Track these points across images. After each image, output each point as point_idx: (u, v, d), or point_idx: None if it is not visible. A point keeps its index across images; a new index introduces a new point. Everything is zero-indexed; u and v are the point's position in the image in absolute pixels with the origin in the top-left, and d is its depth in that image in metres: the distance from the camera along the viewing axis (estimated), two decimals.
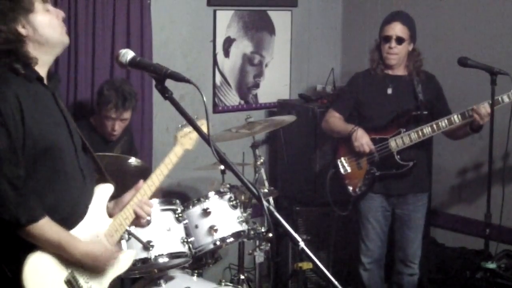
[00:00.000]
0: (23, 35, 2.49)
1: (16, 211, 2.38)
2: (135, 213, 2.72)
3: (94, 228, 2.63)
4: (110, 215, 2.72)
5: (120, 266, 2.71)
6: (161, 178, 2.83)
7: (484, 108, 3.94)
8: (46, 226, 2.44)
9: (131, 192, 2.76)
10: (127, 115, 3.93)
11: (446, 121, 4.08)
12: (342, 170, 4.31)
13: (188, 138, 3.00)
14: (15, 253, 2.45)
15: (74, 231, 2.55)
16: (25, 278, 2.42)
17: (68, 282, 2.52)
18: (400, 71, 4.27)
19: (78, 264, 2.54)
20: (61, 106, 2.63)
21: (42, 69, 2.56)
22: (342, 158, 4.32)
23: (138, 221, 2.76)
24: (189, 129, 2.98)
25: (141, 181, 2.78)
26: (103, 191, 2.73)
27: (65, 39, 2.61)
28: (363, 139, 4.18)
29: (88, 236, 2.59)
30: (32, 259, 2.45)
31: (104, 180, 2.76)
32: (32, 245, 2.45)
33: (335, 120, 4.36)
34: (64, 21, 2.63)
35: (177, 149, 2.96)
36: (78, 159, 2.62)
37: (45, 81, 2.58)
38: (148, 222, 2.87)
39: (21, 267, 2.42)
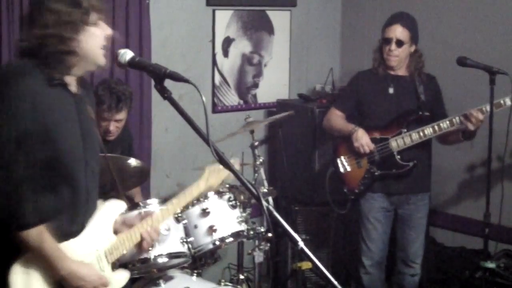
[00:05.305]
0: (73, 50, 2.45)
1: (24, 209, 2.33)
2: (142, 237, 2.69)
3: (95, 243, 2.59)
4: (115, 230, 2.67)
5: (112, 285, 2.64)
6: (177, 208, 2.80)
7: (477, 114, 3.94)
8: (44, 234, 2.39)
9: (141, 215, 2.74)
10: (121, 116, 3.89)
11: (447, 122, 4.08)
12: (341, 169, 4.31)
13: (215, 176, 2.94)
14: (5, 257, 2.40)
15: (70, 243, 2.50)
16: (12, 282, 2.38)
17: None
18: (402, 72, 4.27)
19: (62, 281, 2.46)
20: (81, 117, 2.55)
21: (69, 78, 2.51)
22: (342, 157, 4.32)
23: (141, 245, 2.73)
24: (220, 166, 2.88)
25: (155, 211, 2.74)
26: (114, 208, 2.68)
27: (101, 61, 2.56)
28: (363, 140, 4.18)
29: (84, 250, 2.53)
30: (21, 264, 2.40)
31: (118, 196, 2.71)
32: (21, 250, 2.40)
33: (336, 118, 4.36)
34: (109, 41, 2.57)
35: (201, 183, 2.92)
36: (86, 175, 2.54)
37: (74, 88, 2.53)
38: (153, 246, 2.83)
39: (8, 272, 2.38)
